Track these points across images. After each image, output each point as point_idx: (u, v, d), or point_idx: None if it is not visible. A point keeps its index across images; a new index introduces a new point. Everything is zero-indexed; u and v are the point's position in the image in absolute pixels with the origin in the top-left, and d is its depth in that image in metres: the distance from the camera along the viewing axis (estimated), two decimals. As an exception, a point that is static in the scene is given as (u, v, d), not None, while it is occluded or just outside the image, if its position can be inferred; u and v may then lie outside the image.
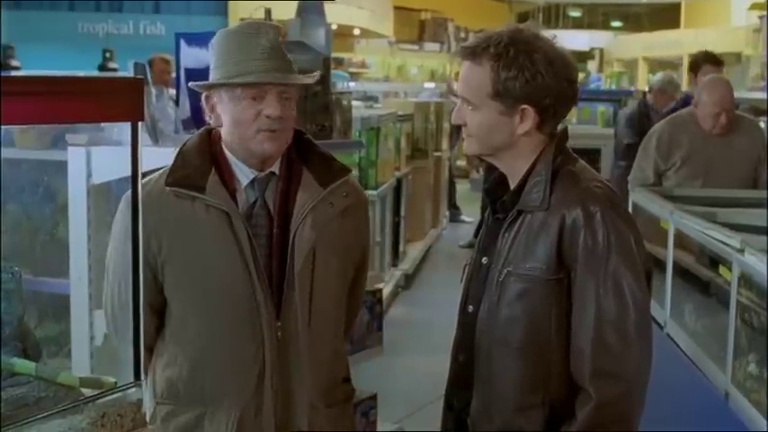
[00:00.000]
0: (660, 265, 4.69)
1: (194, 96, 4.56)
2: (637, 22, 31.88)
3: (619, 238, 2.62)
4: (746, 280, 3.50)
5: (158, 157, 4.11)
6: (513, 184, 2.77)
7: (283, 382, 2.99)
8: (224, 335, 2.97)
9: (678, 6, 24.24)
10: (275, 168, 3.03)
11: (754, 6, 11.28)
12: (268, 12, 5.61)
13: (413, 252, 10.89)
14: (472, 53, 2.68)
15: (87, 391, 2.30)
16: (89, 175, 4.11)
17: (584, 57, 30.00)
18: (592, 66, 28.41)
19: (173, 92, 4.81)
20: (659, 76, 9.66)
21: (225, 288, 2.95)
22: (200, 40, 4.54)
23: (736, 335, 3.59)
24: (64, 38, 14.83)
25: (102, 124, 3.97)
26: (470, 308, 2.84)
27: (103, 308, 3.20)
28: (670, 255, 4.56)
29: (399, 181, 10.01)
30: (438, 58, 26.98)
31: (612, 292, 2.60)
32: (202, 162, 2.99)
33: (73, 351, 4.37)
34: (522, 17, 32.98)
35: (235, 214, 2.94)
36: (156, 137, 4.14)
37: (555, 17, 31.99)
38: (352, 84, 15.54)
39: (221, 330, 2.97)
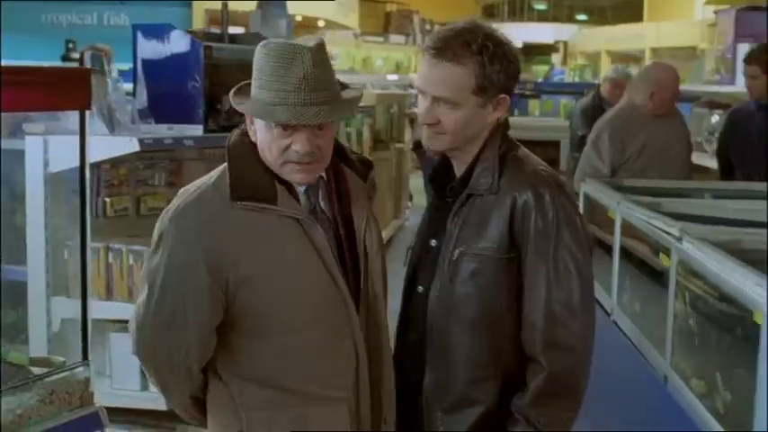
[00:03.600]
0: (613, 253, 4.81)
1: (153, 87, 4.65)
2: (602, 15, 32.02)
3: (567, 219, 2.79)
4: (685, 267, 3.62)
5: (115, 146, 4.22)
6: (459, 171, 2.92)
7: (375, 377, 2.96)
8: (320, 344, 2.87)
9: (641, 1, 24.41)
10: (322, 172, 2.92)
11: (709, 1, 11.41)
12: (225, 5, 5.62)
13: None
14: (452, 54, 2.79)
15: (37, 371, 2.39)
16: (46, 164, 4.17)
17: (548, 50, 30.17)
18: (556, 59, 28.58)
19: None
20: (613, 68, 9.83)
21: (312, 295, 2.84)
22: (157, 32, 4.63)
23: (674, 320, 3.70)
24: (27, 28, 14.77)
25: (59, 114, 4.05)
26: (420, 288, 3.00)
27: (137, 329, 2.94)
28: (617, 244, 4.67)
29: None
30: (403, 50, 26.99)
31: (563, 269, 2.77)
32: (262, 172, 2.83)
33: (30, 337, 4.44)
34: (488, 10, 33.09)
35: (308, 221, 2.83)
36: (112, 126, 4.20)
37: (520, 10, 32.12)
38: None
39: (316, 340, 2.87)
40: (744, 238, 3.61)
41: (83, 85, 2.30)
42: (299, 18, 18.94)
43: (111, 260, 4.16)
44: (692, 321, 3.57)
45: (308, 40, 2.80)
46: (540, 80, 21.83)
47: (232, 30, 7.99)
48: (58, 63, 11.43)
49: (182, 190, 2.98)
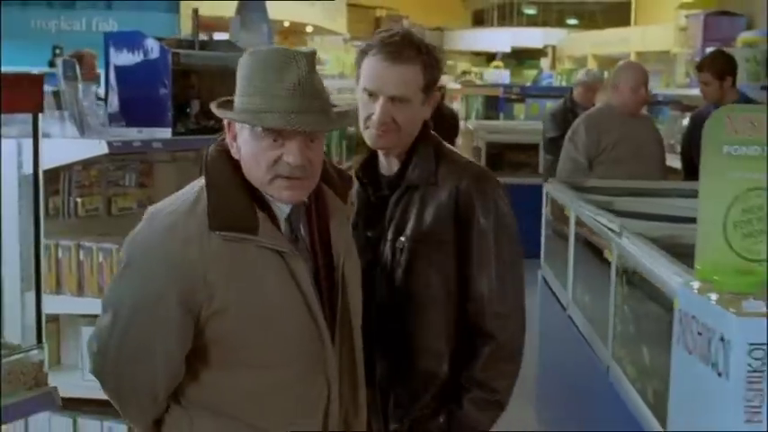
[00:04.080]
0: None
1: (124, 92, 4.83)
2: (591, 19, 32.17)
3: (504, 204, 3.12)
4: (623, 261, 3.81)
5: (85, 148, 4.39)
6: (391, 165, 3.18)
7: (346, 415, 2.91)
8: (291, 381, 2.78)
9: (629, 5, 24.58)
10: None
11: (681, 6, 11.65)
12: (195, 11, 5.79)
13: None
14: (407, 56, 3.02)
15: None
16: (20, 166, 4.33)
17: (537, 54, 30.38)
18: (545, 63, 28.79)
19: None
20: (584, 72, 10.04)
21: (289, 334, 2.75)
22: (127, 40, 4.80)
23: (615, 312, 3.90)
24: (16, 34, 14.92)
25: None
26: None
27: (98, 351, 2.87)
28: (571, 241, 4.87)
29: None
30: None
31: (506, 248, 3.10)
32: (244, 199, 2.72)
33: (4, 329, 4.61)
34: (478, 15, 33.29)
35: (290, 254, 2.72)
36: (83, 129, 4.38)
37: (510, 14, 32.31)
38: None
39: (288, 376, 2.78)
40: (678, 233, 3.80)
41: (36, 89, 2.49)
42: (286, 24, 19.13)
43: (82, 258, 4.31)
44: (630, 313, 3.76)
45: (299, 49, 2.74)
46: (528, 84, 22.08)
47: (218, 36, 8.18)
48: (45, 68, 11.57)
49: (152, 209, 2.84)
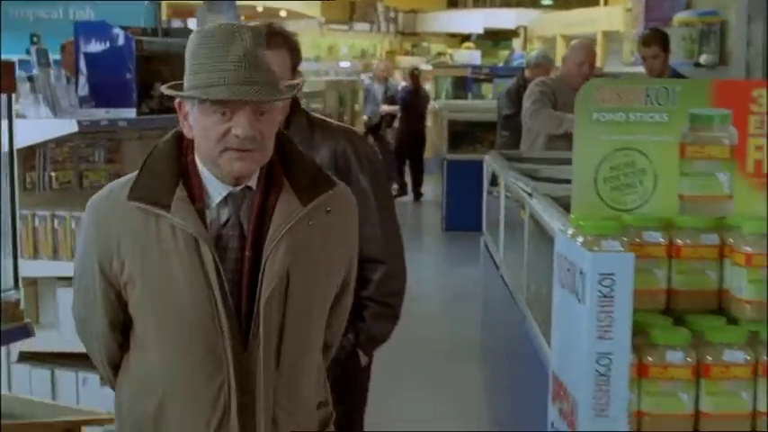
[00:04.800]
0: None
1: (93, 77, 5.31)
2: None
3: (374, 156, 3.73)
4: (534, 219, 4.32)
5: (57, 127, 4.89)
6: None
7: (250, 414, 2.79)
8: (188, 365, 2.76)
9: None
10: (252, 183, 2.79)
11: (630, -13, 12.26)
12: (158, 4, 6.31)
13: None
14: (274, 44, 3.41)
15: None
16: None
17: (510, 35, 30.85)
18: (517, 43, 29.29)
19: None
20: (535, 52, 10.62)
21: (189, 317, 2.72)
22: (95, 29, 5.31)
23: (528, 265, 4.41)
24: (-4, 24, 15.28)
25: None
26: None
27: (72, 314, 3.05)
28: (502, 206, 5.39)
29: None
30: (368, 37, 27.64)
31: (381, 195, 3.69)
32: (170, 174, 2.74)
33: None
34: None
35: (202, 238, 2.69)
36: (55, 110, 4.87)
37: None
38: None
39: (186, 360, 2.76)
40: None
41: (10, 73, 3.00)
42: (260, 8, 19.60)
43: (56, 226, 4.84)
44: (538, 265, 4.27)
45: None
46: (501, 64, 22.57)
47: (191, 23, 8.60)
48: (24, 55, 11.96)
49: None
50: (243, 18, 12.09)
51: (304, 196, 2.80)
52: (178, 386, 2.77)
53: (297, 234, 2.77)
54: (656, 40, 7.76)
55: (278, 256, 2.74)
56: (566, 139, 6.87)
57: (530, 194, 4.39)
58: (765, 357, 2.77)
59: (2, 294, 3.07)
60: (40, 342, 4.66)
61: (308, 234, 2.80)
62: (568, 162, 5.96)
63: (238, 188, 2.75)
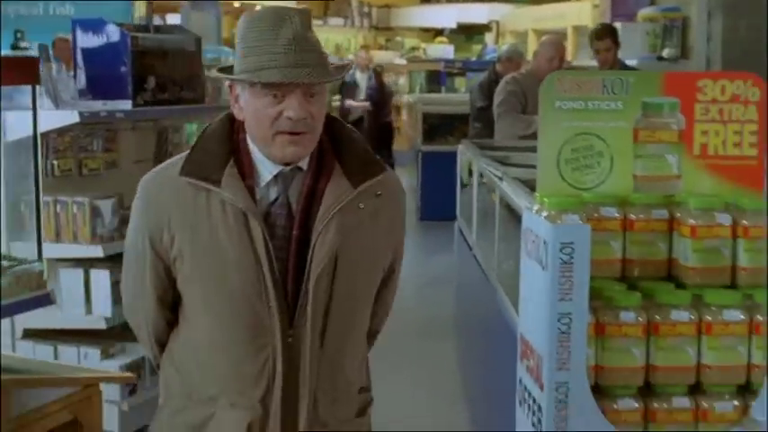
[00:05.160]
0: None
1: (90, 71, 5.63)
2: None
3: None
4: (504, 201, 4.67)
5: (60, 118, 5.20)
6: None
7: (293, 392, 2.81)
8: (235, 340, 2.78)
9: None
10: (303, 164, 2.79)
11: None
12: (150, 3, 6.68)
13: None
14: None
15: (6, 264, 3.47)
16: (4, 134, 5.14)
17: (483, 29, 31.06)
18: (489, 38, 29.52)
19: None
20: (506, 47, 10.99)
21: (237, 291, 2.74)
22: (93, 25, 5.63)
23: (499, 244, 4.76)
24: (-21, 20, 15.43)
25: (12, 94, 5.03)
26: None
27: (121, 289, 3.10)
28: (474, 191, 5.74)
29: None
30: (342, 32, 27.80)
31: None
32: (221, 151, 2.76)
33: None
34: None
35: (251, 213, 2.71)
36: (57, 103, 5.19)
37: None
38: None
39: (232, 335, 2.78)
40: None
41: (34, 66, 3.34)
42: (237, 4, 19.83)
43: (58, 210, 5.17)
44: (508, 244, 4.61)
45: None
46: (474, 58, 22.84)
47: (171, 17, 8.93)
48: (9, 52, 12.20)
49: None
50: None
51: (355, 179, 2.80)
52: (224, 360, 2.78)
53: (346, 216, 2.77)
54: (608, 33, 8.18)
55: (328, 236, 2.74)
56: (534, 136, 7.26)
57: (500, 178, 4.72)
58: (708, 317, 3.02)
59: (28, 266, 3.45)
60: (43, 320, 4.99)
61: (358, 217, 2.80)
62: (535, 150, 6.38)
63: (288, 168, 2.76)
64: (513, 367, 3.33)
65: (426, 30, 31.69)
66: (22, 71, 3.35)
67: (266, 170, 2.76)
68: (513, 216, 4.43)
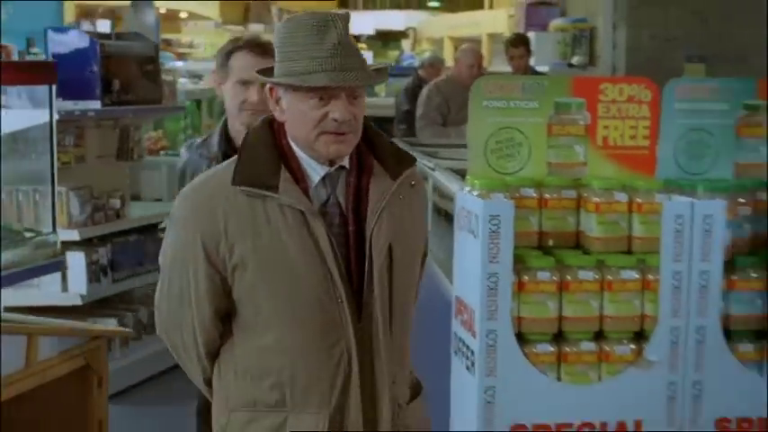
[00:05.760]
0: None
1: (61, 74, 6.13)
2: (452, 1, 32.90)
3: None
4: (437, 189, 5.30)
5: (38, 116, 5.68)
6: None
7: (368, 382, 2.88)
8: (308, 339, 2.82)
9: None
10: (345, 162, 2.87)
11: (506, -5, 13.39)
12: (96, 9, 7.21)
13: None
14: (271, 51, 3.36)
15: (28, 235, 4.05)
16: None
17: (400, 36, 31.37)
18: (406, 44, 29.87)
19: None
20: (428, 54, 11.67)
21: (308, 292, 2.78)
22: (63, 32, 6.16)
23: (433, 227, 5.36)
24: None
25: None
26: None
27: (156, 306, 3.04)
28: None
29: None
30: (263, 37, 27.78)
31: None
32: (271, 158, 2.79)
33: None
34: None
35: (311, 213, 2.75)
36: (33, 102, 5.73)
37: None
38: (179, 63, 16.89)
39: (306, 335, 2.81)
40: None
41: (52, 68, 3.93)
42: (163, 10, 20.09)
43: (37, 199, 5.71)
44: (440, 227, 5.22)
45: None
46: (392, 64, 23.25)
47: (100, 23, 9.44)
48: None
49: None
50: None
51: (392, 172, 2.94)
52: (300, 360, 2.82)
53: (392, 208, 2.91)
54: (522, 42, 8.96)
55: (381, 229, 2.85)
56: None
57: (432, 169, 5.35)
58: (609, 276, 3.51)
59: (45, 237, 4.02)
60: (23, 298, 5.50)
61: (401, 208, 2.96)
62: (459, 146, 7.05)
63: (333, 168, 2.85)
64: (447, 330, 3.61)
65: (343, 36, 31.31)
66: (41, 72, 3.97)
67: (315, 172, 2.84)
68: (444, 201, 5.04)
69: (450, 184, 4.81)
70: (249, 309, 2.82)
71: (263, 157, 2.78)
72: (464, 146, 7.19)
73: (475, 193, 3.85)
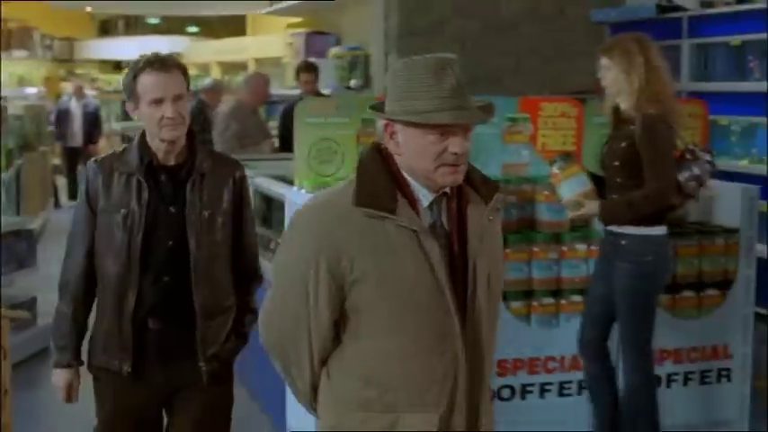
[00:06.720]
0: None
1: None
2: (210, 28, 32.93)
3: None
4: (257, 192, 6.29)
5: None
6: (173, 157, 3.90)
7: (473, 386, 3.04)
8: (423, 345, 2.96)
9: (244, 17, 25.57)
10: (446, 188, 3.00)
11: (289, 26, 14.37)
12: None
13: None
14: (172, 66, 3.81)
15: None
16: None
17: (166, 61, 31.42)
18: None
19: None
20: (209, 80, 12.54)
21: (422, 304, 2.93)
22: None
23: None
24: None
25: None
26: (170, 243, 3.87)
27: (266, 321, 3.17)
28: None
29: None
30: (26, 64, 27.61)
31: (251, 215, 4.21)
32: (388, 184, 2.94)
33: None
34: (105, 25, 33.56)
35: (424, 233, 2.91)
36: None
37: (135, 24, 32.62)
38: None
39: (418, 346, 2.96)
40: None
41: None
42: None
43: None
44: (262, 220, 6.22)
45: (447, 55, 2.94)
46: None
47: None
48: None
49: (314, 195, 3.40)
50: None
51: (485, 197, 3.07)
52: (412, 365, 2.96)
53: (486, 229, 3.05)
54: (311, 69, 10.06)
55: (483, 249, 3.01)
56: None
57: (252, 178, 6.29)
58: None
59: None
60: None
61: (492, 228, 3.10)
62: (274, 159, 8.08)
63: (438, 194, 2.99)
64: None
65: (105, 61, 31.32)
66: None
67: (425, 197, 2.98)
68: (266, 202, 6.00)
69: (278, 188, 5.80)
70: (366, 317, 2.99)
71: (380, 182, 2.97)
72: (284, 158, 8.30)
73: (303, 191, 4.85)
